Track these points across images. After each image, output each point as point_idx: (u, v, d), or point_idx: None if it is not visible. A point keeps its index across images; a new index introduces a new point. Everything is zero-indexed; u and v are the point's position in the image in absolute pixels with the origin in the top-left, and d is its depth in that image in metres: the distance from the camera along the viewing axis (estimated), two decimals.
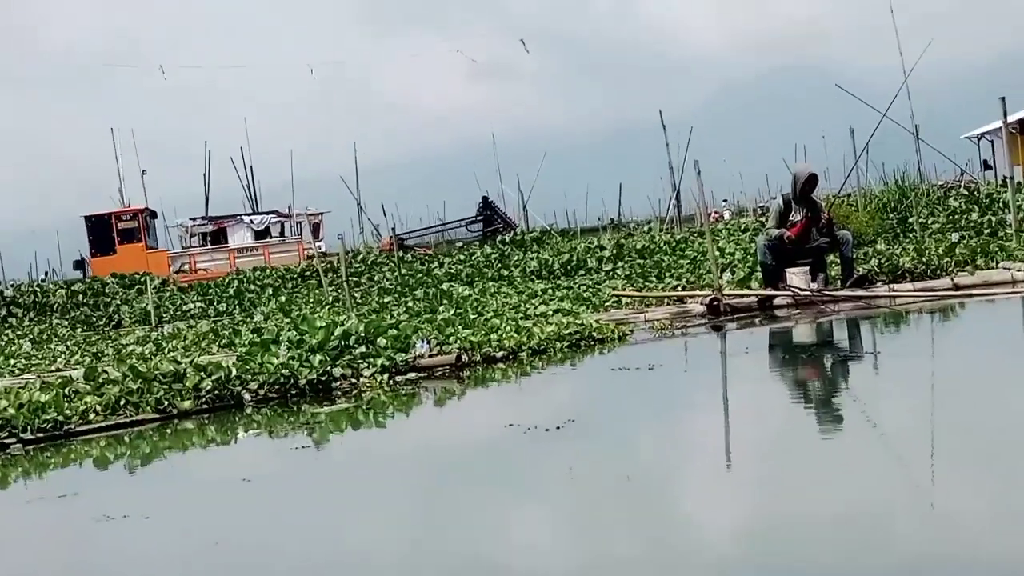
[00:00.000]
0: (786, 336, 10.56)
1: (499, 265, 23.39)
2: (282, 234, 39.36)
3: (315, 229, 37.90)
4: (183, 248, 37.75)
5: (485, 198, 36.71)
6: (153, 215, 37.99)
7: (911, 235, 16.90)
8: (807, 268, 12.09)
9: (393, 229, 38.17)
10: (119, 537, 5.04)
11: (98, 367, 9.37)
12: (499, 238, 32.21)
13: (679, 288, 14.04)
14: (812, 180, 12.21)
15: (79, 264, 36.47)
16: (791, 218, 12.28)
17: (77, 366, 11.78)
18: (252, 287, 25.76)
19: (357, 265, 27.05)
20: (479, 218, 37.08)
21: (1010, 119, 24.84)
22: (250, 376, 8.54)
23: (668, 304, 12.64)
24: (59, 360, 13.36)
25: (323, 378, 8.70)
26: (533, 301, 14.23)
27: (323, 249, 35.19)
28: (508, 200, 46.65)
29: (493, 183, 51.18)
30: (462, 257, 26.62)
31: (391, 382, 8.85)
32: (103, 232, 35.64)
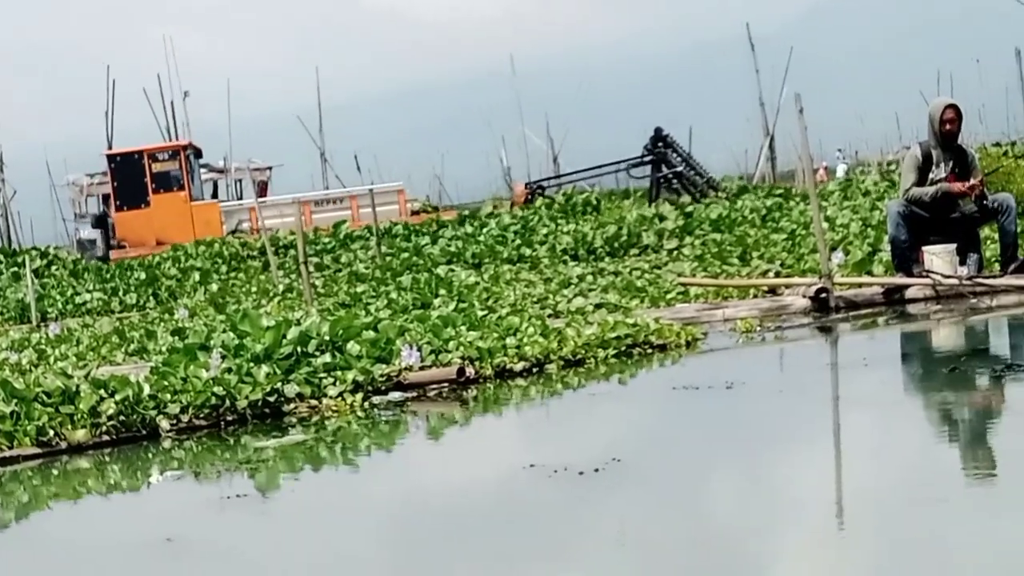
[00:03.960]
0: (923, 342, 10.52)
1: (518, 241, 23.44)
2: (215, 194, 39.56)
3: (261, 188, 38.00)
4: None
5: (659, 130, 35.46)
6: (198, 153, 37.90)
7: None
8: (953, 247, 12.07)
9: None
10: None
11: None
12: (682, 196, 31.79)
13: (771, 275, 14.03)
14: (953, 117, 12.22)
15: (100, 221, 36.35)
16: (932, 175, 12.27)
17: None
18: (171, 270, 25.88)
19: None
20: (647, 159, 35.62)
21: None
22: (169, 396, 8.59)
23: (756, 296, 12.66)
24: None
25: (271, 399, 8.76)
26: (566, 292, 14.25)
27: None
28: (532, 149, 46.60)
29: (511, 126, 51.24)
30: (468, 229, 26.66)
31: (366, 405, 8.87)
32: (132, 176, 35.12)
